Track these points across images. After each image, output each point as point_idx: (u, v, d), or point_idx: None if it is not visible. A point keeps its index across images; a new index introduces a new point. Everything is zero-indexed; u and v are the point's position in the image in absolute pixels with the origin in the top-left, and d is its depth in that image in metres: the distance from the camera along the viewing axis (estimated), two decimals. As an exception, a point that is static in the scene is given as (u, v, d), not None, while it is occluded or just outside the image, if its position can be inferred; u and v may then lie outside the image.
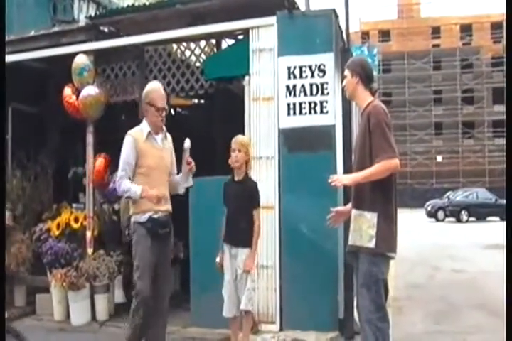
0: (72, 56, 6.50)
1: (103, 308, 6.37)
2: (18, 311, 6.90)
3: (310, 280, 5.52)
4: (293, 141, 5.75)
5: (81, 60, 6.47)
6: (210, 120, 8.20)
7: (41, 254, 6.60)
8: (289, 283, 5.64)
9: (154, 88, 4.63)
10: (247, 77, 5.91)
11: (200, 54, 6.62)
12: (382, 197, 3.67)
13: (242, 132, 5.73)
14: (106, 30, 6.74)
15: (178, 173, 4.77)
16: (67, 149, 7.70)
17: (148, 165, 4.46)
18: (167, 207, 4.55)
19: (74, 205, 7.05)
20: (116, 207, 6.76)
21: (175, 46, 6.81)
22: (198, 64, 6.60)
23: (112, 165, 6.14)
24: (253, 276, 4.80)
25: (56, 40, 6.91)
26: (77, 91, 6.49)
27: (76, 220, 6.46)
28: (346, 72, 3.96)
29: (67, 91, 6.58)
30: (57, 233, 6.55)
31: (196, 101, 8.87)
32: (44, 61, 7.18)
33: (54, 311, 6.55)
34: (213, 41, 7.04)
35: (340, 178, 3.82)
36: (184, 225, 6.00)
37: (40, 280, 6.85)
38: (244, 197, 4.78)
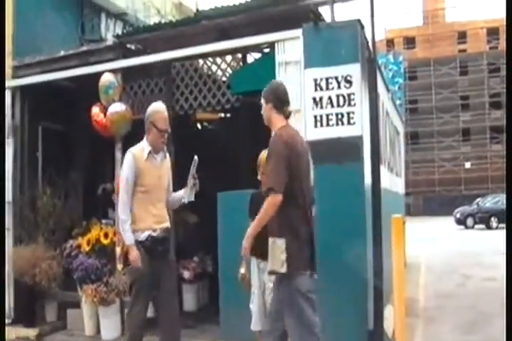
0: (100, 74, 6.60)
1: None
2: (49, 326, 7.01)
3: (339, 291, 5.43)
4: (320, 153, 5.69)
5: (106, 78, 6.55)
6: (236, 134, 8.23)
7: (72, 270, 6.67)
8: (318, 294, 5.59)
9: (158, 109, 4.68)
10: (273, 91, 5.91)
11: (226, 68, 6.67)
12: (288, 223, 3.83)
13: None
14: (133, 47, 6.82)
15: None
16: (96, 166, 7.80)
17: (147, 184, 4.55)
18: (166, 224, 4.68)
19: (103, 221, 7.12)
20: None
21: (201, 61, 6.85)
22: (224, 78, 6.64)
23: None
24: None
25: (84, 59, 7.03)
26: (104, 110, 6.57)
27: (106, 236, 6.51)
28: (262, 101, 4.11)
29: (95, 109, 6.67)
30: (87, 249, 6.62)
31: (222, 115, 8.93)
32: (73, 80, 7.30)
33: (85, 326, 6.62)
34: (239, 55, 7.07)
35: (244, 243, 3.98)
36: (211, 239, 6.02)
37: (71, 296, 6.93)
38: None
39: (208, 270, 6.95)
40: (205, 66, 6.86)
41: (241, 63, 7.04)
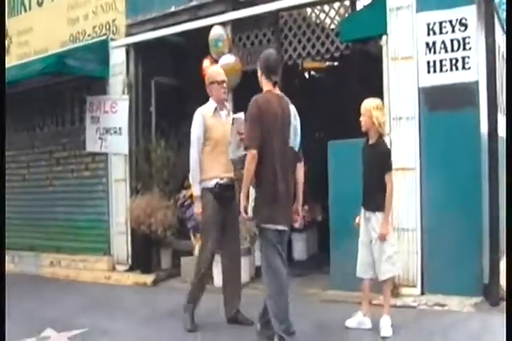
0: (209, 28, 6.71)
1: (244, 271, 6.42)
2: (164, 273, 7.37)
3: (452, 243, 5.31)
4: (434, 100, 5.55)
5: (216, 31, 6.65)
6: (345, 81, 8.12)
7: (185, 220, 6.88)
8: (431, 245, 5.48)
9: (211, 69, 5.36)
10: (384, 37, 5.75)
11: (334, 16, 6.55)
12: (261, 177, 4.18)
13: (380, 93, 5.63)
14: (241, -1, 6.85)
15: None
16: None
17: (214, 138, 5.03)
18: (231, 173, 4.99)
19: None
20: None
21: (309, 10, 6.77)
22: (332, 26, 6.54)
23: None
24: (392, 241, 4.70)
25: (194, 13, 7.16)
26: (215, 62, 6.68)
27: (219, 186, 6.62)
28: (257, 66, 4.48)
29: (206, 62, 6.82)
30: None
31: (330, 63, 8.80)
32: (184, 35, 7.46)
33: (198, 273, 6.83)
34: (348, 2, 6.91)
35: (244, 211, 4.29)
36: (321, 188, 6.02)
37: (184, 244, 7.21)
38: (376, 161, 4.68)
39: (317, 219, 6.96)
40: (313, 14, 6.77)
41: (350, 10, 6.88)
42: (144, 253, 7.55)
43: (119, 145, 7.83)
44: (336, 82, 8.14)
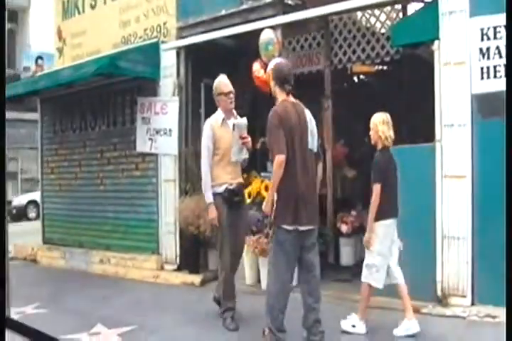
0: (260, 31, 6.72)
1: (291, 274, 6.57)
2: (212, 274, 7.36)
3: (504, 252, 5.21)
4: (487, 107, 5.43)
5: (266, 35, 6.67)
6: (395, 86, 8.03)
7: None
8: (482, 255, 5.37)
9: (218, 80, 5.51)
10: (436, 42, 5.67)
11: (385, 20, 6.50)
12: (283, 181, 4.35)
13: (431, 98, 5.57)
14: (292, 3, 6.85)
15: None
16: (255, 121, 8.02)
17: (223, 148, 5.29)
18: (239, 179, 5.46)
19: (262, 174, 7.32)
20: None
21: (359, 14, 6.73)
22: (383, 30, 6.50)
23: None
24: (375, 253, 4.91)
25: (245, 17, 7.17)
26: (265, 66, 6.70)
27: (266, 189, 6.66)
28: (270, 76, 4.75)
29: (256, 66, 6.84)
30: (248, 201, 6.79)
31: (380, 67, 8.73)
32: (234, 38, 7.50)
33: (246, 275, 6.88)
34: (399, 6, 6.85)
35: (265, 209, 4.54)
36: (370, 193, 5.98)
37: (232, 246, 7.22)
38: (371, 171, 4.91)
39: (365, 224, 6.90)
40: (364, 18, 6.73)
41: (401, 14, 6.82)
42: (192, 253, 7.63)
43: (168, 146, 7.93)
44: (385, 87, 8.05)
